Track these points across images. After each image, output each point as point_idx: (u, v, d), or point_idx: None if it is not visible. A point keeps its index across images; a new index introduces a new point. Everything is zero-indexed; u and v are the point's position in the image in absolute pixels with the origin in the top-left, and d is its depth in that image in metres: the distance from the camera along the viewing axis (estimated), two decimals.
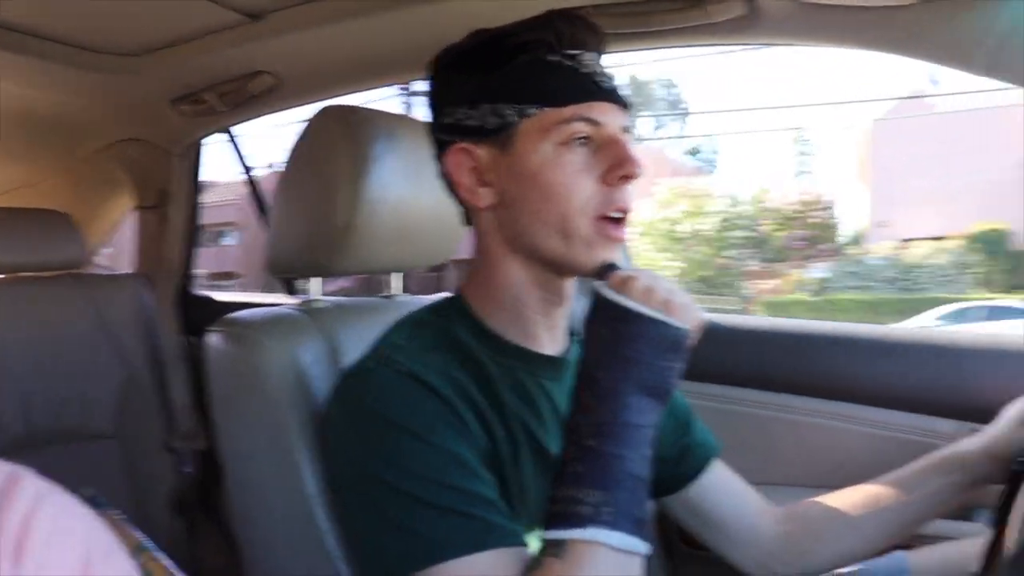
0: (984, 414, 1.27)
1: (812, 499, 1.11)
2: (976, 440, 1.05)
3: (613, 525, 0.72)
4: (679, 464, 1.08)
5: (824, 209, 19.30)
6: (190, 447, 1.98)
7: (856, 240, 19.44)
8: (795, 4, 1.14)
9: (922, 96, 20.90)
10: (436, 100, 0.93)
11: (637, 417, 0.76)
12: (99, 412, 1.85)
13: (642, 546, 0.74)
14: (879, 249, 17.40)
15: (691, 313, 0.79)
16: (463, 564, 0.73)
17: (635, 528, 0.73)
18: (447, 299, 0.95)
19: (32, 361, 1.74)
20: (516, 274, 0.90)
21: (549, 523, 0.74)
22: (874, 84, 46.29)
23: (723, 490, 1.10)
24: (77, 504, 0.48)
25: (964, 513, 1.30)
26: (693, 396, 1.18)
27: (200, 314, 2.09)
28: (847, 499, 1.07)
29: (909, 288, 15.51)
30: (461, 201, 0.94)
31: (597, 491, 0.73)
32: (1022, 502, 0.77)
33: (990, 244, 16.33)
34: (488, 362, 0.88)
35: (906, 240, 17.20)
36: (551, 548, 0.73)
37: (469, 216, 0.95)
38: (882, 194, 19.05)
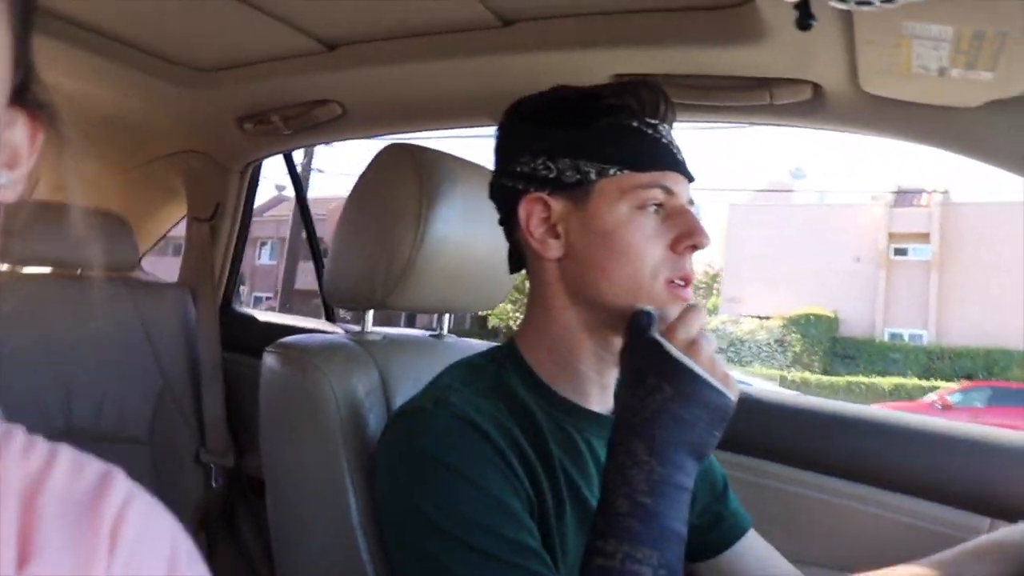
0: (1015, 513, 1.27)
1: None
2: (1021, 529, 1.03)
3: None
4: (712, 531, 1.08)
5: (712, 276, 21.84)
6: (219, 463, 2.00)
7: (710, 311, 20.77)
8: (860, 95, 1.16)
9: (780, 190, 24.05)
10: (509, 148, 0.95)
11: (686, 480, 0.78)
12: (135, 417, 1.88)
13: None
14: (718, 321, 19.18)
15: (737, 388, 0.82)
16: None
17: None
18: (503, 347, 0.97)
19: (77, 359, 1.77)
20: (574, 328, 0.92)
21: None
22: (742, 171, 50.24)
23: (756, 561, 1.09)
24: (163, 508, 0.49)
25: None
26: (725, 465, 1.19)
27: (240, 331, 2.12)
28: None
29: (731, 359, 17.38)
30: (526, 250, 0.95)
31: (655, 552, 0.74)
32: None
33: (809, 327, 18.88)
34: (538, 413, 0.89)
35: (746, 316, 19.38)
36: None
37: (523, 264, 0.97)
38: (733, 272, 21.61)
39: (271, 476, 1.03)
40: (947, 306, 19.29)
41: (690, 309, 0.83)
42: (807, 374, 17.77)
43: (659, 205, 0.88)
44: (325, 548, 0.97)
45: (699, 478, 0.84)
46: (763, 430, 1.45)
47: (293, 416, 1.02)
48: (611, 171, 0.88)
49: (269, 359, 1.07)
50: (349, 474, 0.95)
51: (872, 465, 1.37)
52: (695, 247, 0.88)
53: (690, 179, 0.92)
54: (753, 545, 1.10)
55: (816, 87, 1.21)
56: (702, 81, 1.29)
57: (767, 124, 1.37)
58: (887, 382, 16.92)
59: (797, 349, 18.69)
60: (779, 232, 21.03)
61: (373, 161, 1.14)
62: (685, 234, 0.88)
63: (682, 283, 0.89)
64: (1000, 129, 1.09)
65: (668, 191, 0.88)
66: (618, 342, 0.91)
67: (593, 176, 0.88)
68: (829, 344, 19.13)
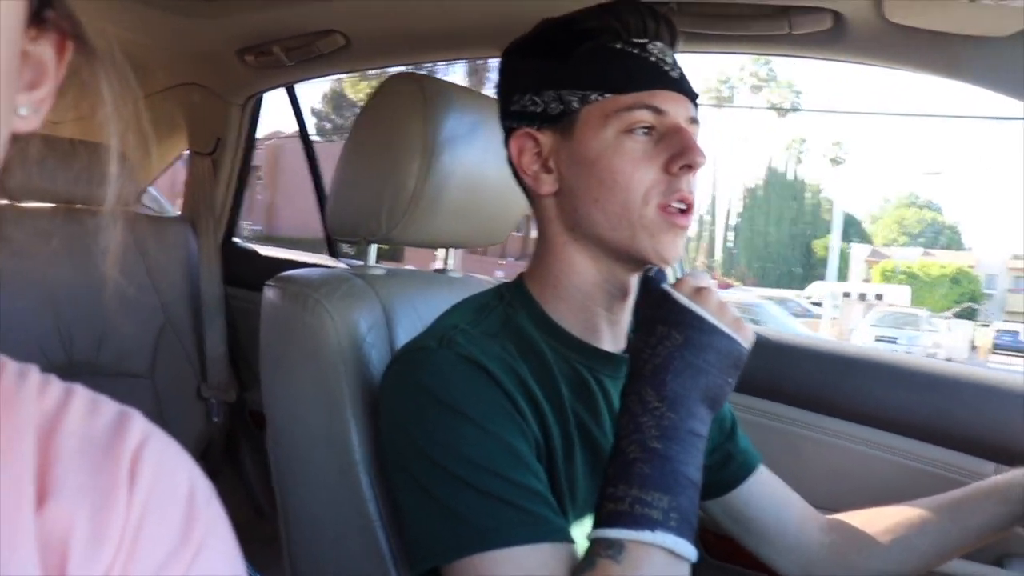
0: (1021, 459, 1.26)
1: (860, 511, 1.10)
2: None
3: (678, 531, 0.71)
4: (723, 470, 1.07)
5: None
6: (220, 398, 2.00)
7: None
8: (883, 24, 1.12)
9: None
10: (505, 87, 0.94)
11: (700, 426, 0.76)
12: (136, 351, 1.87)
13: (695, 554, 0.73)
14: None
15: (750, 333, 0.81)
16: (509, 555, 0.73)
17: (693, 535, 0.73)
18: (510, 284, 0.95)
19: (76, 294, 1.75)
20: (578, 264, 0.90)
21: (608, 521, 0.73)
22: None
23: (767, 497, 1.09)
24: (180, 447, 0.49)
25: (997, 559, 1.30)
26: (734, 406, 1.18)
27: (243, 266, 2.10)
28: (895, 516, 1.05)
29: None
30: (524, 187, 0.94)
31: (665, 496, 0.72)
32: None
33: None
34: (549, 354, 0.87)
35: None
36: (605, 548, 0.71)
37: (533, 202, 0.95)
38: None
39: (271, 412, 1.02)
40: None
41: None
42: None
43: (649, 127, 0.85)
44: (326, 484, 0.96)
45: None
46: (769, 371, 1.44)
47: (294, 351, 1.00)
48: (592, 97, 0.85)
49: (269, 293, 1.05)
50: (351, 410, 0.94)
51: (878, 407, 1.36)
52: (690, 167, 0.84)
53: (690, 96, 0.88)
54: (764, 481, 1.10)
55: (837, 16, 1.16)
56: (718, 9, 1.25)
57: (786, 55, 1.32)
58: None
59: None
60: None
61: (378, 90, 1.11)
62: (677, 154, 0.83)
63: (680, 207, 0.85)
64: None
65: (657, 111, 0.84)
66: (625, 276, 0.90)
67: (576, 104, 0.86)
68: None
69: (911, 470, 1.36)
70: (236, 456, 2.14)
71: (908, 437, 1.36)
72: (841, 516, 1.10)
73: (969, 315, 22.79)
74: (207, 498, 0.48)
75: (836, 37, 1.21)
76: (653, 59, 0.86)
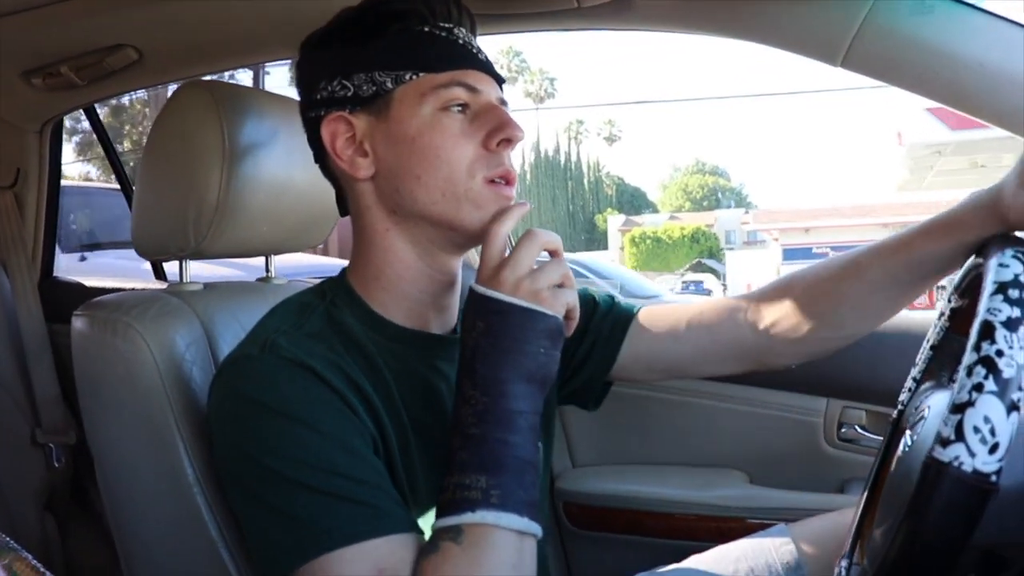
0: (847, 391, 1.37)
1: (790, 277, 1.03)
2: (972, 201, 0.85)
3: (502, 507, 0.73)
4: (601, 342, 1.08)
5: None
6: (59, 441, 1.89)
7: None
8: None
9: None
10: (306, 79, 0.92)
11: (518, 404, 0.77)
12: None
13: (534, 527, 0.75)
14: None
15: (561, 299, 0.81)
16: (354, 552, 0.73)
17: (525, 509, 0.74)
18: (331, 281, 0.94)
19: None
20: (400, 251, 0.89)
21: (440, 512, 0.75)
22: None
23: (660, 328, 1.07)
24: None
25: (839, 486, 1.40)
26: None
27: (66, 300, 1.98)
28: (836, 268, 0.97)
29: None
30: (339, 175, 0.92)
31: (483, 476, 0.74)
32: (888, 469, 0.80)
33: None
34: (373, 347, 0.87)
35: None
36: (446, 534, 0.73)
37: (345, 196, 0.94)
38: None
39: (96, 447, 0.98)
40: None
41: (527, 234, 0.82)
42: None
43: (464, 105, 0.86)
44: (164, 513, 0.94)
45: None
46: None
47: (110, 380, 0.96)
48: (407, 76, 0.86)
49: (78, 323, 1.00)
50: (178, 432, 0.92)
51: None
52: (509, 141, 0.86)
53: (498, 80, 0.91)
54: (647, 320, 1.08)
55: None
56: None
57: (580, 29, 1.35)
58: None
59: None
60: None
61: (169, 101, 1.08)
62: (495, 128, 0.85)
63: (503, 181, 0.87)
64: (799, 15, 1.11)
65: (471, 89, 0.86)
66: (447, 260, 0.91)
67: (389, 85, 0.86)
68: None
69: (760, 416, 1.46)
70: (86, 499, 2.03)
71: (750, 386, 1.46)
72: (777, 289, 1.02)
73: (701, 269, 24.56)
74: None
75: (622, 7, 1.24)
76: (461, 41, 0.88)
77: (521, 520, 0.74)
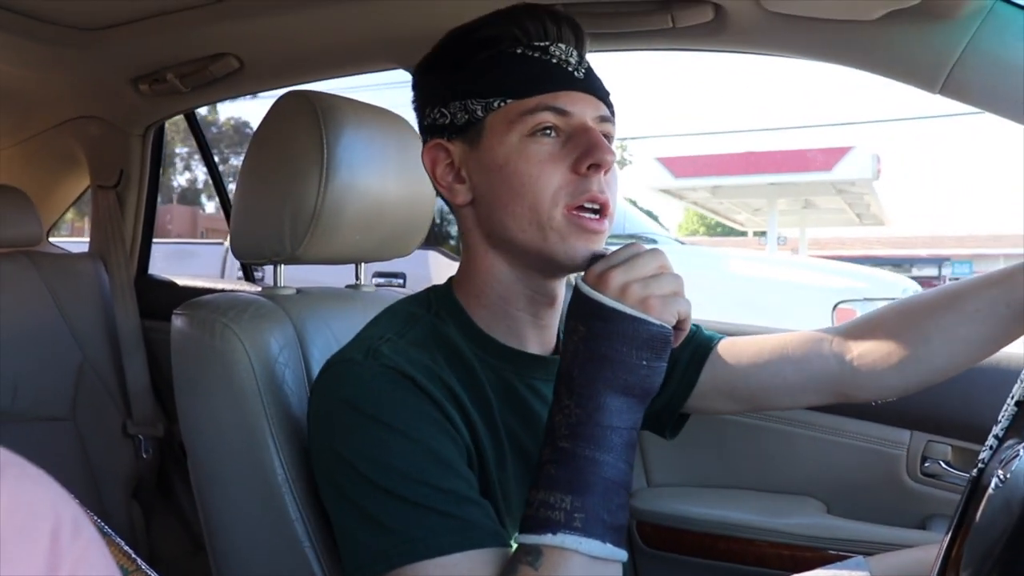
0: (932, 425, 1.33)
1: (883, 308, 1.00)
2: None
3: (584, 532, 0.70)
4: (681, 369, 1.05)
5: None
6: (148, 433, 1.96)
7: None
8: (762, 13, 1.15)
9: None
10: (418, 103, 0.94)
11: (614, 419, 0.74)
12: (54, 394, 1.83)
13: (619, 553, 0.72)
14: None
15: (672, 308, 0.75)
16: (440, 564, 0.72)
17: (609, 535, 0.71)
18: (435, 292, 0.94)
19: None
20: (499, 271, 0.89)
21: (523, 527, 0.73)
22: None
23: (742, 359, 1.03)
24: (42, 474, 0.45)
25: (921, 523, 1.36)
26: None
27: (160, 298, 2.06)
28: (931, 297, 0.94)
29: None
30: (444, 199, 0.93)
31: (568, 496, 0.71)
32: (976, 511, 0.77)
33: None
34: (476, 362, 0.87)
35: None
36: (525, 554, 0.71)
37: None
38: None
39: (190, 442, 1.01)
40: None
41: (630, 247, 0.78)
42: None
43: (554, 128, 0.84)
44: (252, 509, 0.96)
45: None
46: None
47: (207, 378, 0.99)
48: (495, 104, 0.85)
49: (178, 322, 1.04)
50: (270, 431, 0.94)
51: None
52: (598, 166, 0.82)
53: (599, 95, 0.88)
54: (731, 343, 1.06)
55: (717, 7, 1.20)
56: (602, 7, 1.27)
57: (671, 49, 1.35)
58: None
59: None
60: None
61: (271, 110, 1.11)
62: (584, 153, 0.82)
63: (592, 208, 0.83)
64: (898, 41, 1.09)
65: (561, 112, 0.84)
66: (545, 282, 0.90)
67: (480, 113, 0.86)
68: None
69: (842, 445, 1.43)
70: (170, 491, 2.10)
71: (833, 415, 1.43)
72: (855, 328, 1.00)
73: None
74: (74, 530, 0.44)
75: (718, 28, 1.24)
76: (555, 61, 0.86)
77: (604, 547, 0.71)
